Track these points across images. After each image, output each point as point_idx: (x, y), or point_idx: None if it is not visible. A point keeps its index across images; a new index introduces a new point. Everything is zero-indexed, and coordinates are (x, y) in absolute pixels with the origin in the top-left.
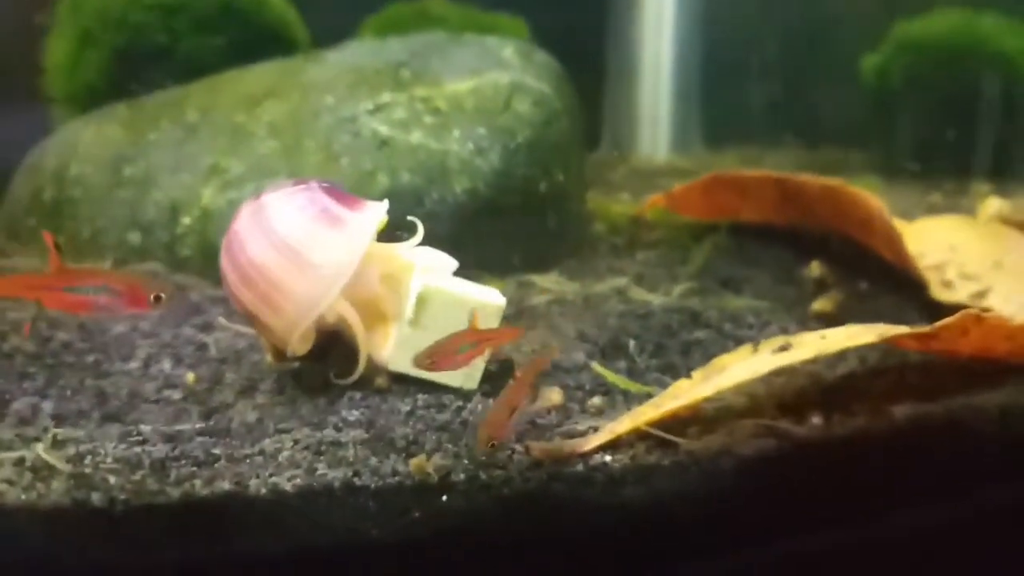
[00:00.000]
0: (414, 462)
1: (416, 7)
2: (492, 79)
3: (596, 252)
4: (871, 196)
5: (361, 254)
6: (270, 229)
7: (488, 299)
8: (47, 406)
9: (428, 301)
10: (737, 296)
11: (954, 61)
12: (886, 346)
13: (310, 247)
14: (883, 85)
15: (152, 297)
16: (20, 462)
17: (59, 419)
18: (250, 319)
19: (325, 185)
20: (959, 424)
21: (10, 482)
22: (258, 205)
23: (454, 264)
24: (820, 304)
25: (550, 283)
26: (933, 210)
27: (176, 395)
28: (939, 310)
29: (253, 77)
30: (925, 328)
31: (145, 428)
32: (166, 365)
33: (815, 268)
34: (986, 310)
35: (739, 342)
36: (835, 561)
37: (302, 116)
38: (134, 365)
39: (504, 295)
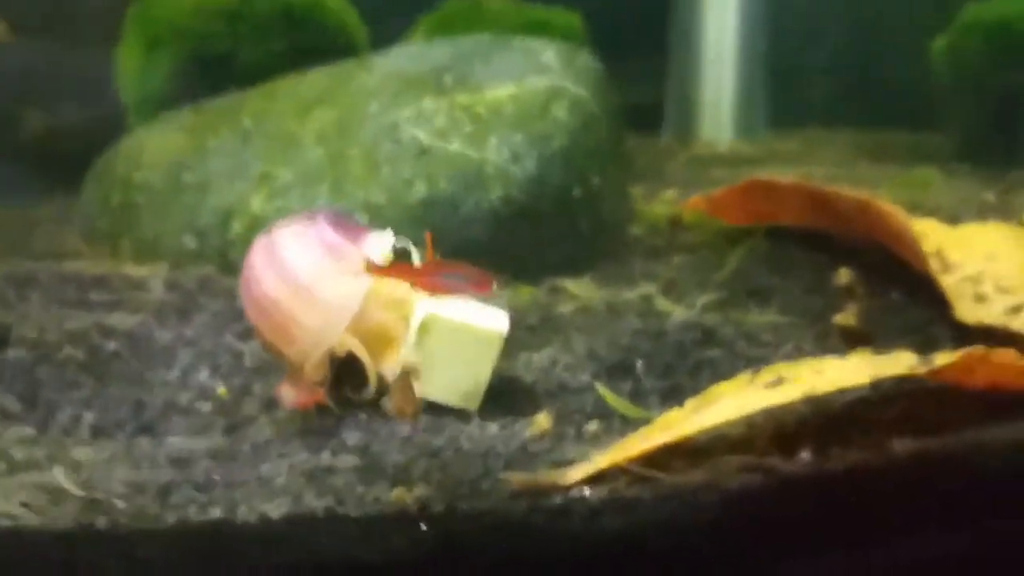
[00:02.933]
0: (395, 492)
1: (470, 4)
2: (531, 84)
3: (632, 255)
4: (899, 211)
5: (365, 288)
6: (280, 265)
7: (489, 326)
8: (89, 416)
9: (430, 329)
10: (762, 307)
11: None
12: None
13: (317, 283)
14: (952, 68)
15: (494, 285)
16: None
17: (96, 431)
18: (268, 348)
19: (331, 218)
20: (965, 459)
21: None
22: (269, 240)
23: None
24: (842, 318)
25: (580, 289)
26: (984, 208)
27: (207, 407)
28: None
29: (306, 83)
30: (923, 369)
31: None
32: (203, 375)
33: (843, 276)
34: (1013, 332)
35: (750, 362)
36: None
37: (348, 124)
38: (174, 374)
39: (533, 301)
